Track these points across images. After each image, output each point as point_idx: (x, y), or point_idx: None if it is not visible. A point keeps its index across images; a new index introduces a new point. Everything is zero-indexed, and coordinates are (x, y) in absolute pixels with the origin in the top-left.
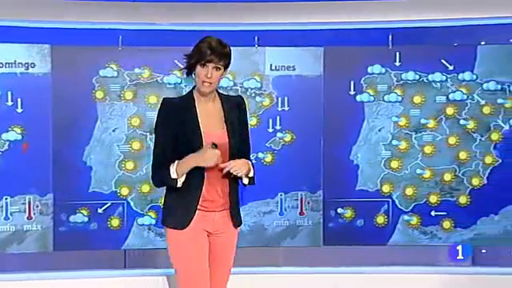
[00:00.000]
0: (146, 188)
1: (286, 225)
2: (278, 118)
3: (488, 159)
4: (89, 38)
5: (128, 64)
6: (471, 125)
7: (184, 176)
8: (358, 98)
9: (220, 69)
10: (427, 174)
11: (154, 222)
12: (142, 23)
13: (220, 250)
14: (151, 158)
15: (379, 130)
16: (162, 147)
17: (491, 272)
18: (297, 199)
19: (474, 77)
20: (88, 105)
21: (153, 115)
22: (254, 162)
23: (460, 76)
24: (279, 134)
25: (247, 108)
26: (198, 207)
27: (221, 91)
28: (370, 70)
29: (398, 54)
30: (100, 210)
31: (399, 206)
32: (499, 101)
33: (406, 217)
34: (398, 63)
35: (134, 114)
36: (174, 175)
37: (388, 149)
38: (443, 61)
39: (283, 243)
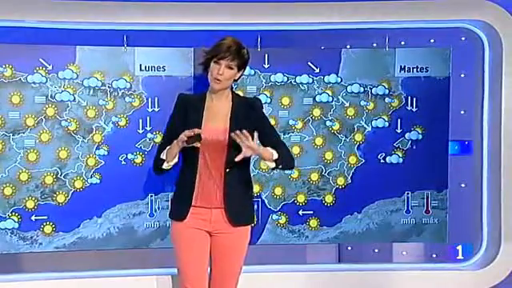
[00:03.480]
0: (8, 191)
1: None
2: (148, 118)
3: (352, 159)
4: None
5: None
6: (336, 126)
7: (175, 160)
8: None
9: (233, 68)
10: (295, 173)
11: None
12: (5, 20)
13: (218, 251)
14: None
15: None
16: (166, 140)
17: (356, 268)
18: None
19: (339, 79)
20: None
21: (16, 115)
22: (123, 163)
23: (326, 78)
24: (149, 135)
25: (263, 108)
26: (193, 203)
27: (238, 93)
28: None
29: (266, 56)
30: None
31: (268, 206)
32: (362, 103)
33: (274, 216)
34: (266, 65)
35: None
36: (163, 156)
37: None
38: (310, 63)
39: (152, 244)
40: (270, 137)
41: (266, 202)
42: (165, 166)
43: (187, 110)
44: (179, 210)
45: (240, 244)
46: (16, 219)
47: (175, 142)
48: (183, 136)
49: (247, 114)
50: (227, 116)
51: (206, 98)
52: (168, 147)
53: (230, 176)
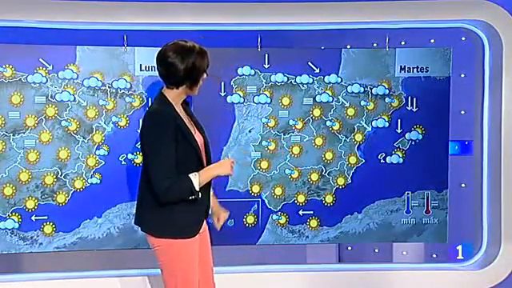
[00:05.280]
0: (8, 191)
1: None
2: None
3: (352, 159)
4: None
5: None
6: (337, 126)
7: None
8: (229, 99)
9: None
10: (295, 174)
11: (17, 225)
12: (5, 20)
13: (204, 249)
14: (154, 174)
15: (249, 131)
16: (169, 162)
17: (356, 268)
18: None
19: (339, 79)
20: None
21: (16, 115)
22: (123, 163)
23: (326, 78)
24: None
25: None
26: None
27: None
28: (239, 71)
29: (266, 55)
30: None
31: (268, 206)
32: (362, 103)
33: (274, 216)
34: (266, 65)
35: None
36: (197, 187)
37: (258, 149)
38: (310, 63)
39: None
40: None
41: (267, 202)
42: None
43: (174, 125)
44: (193, 226)
45: (209, 238)
46: (16, 219)
47: (215, 170)
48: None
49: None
50: (191, 122)
51: (173, 106)
52: (198, 175)
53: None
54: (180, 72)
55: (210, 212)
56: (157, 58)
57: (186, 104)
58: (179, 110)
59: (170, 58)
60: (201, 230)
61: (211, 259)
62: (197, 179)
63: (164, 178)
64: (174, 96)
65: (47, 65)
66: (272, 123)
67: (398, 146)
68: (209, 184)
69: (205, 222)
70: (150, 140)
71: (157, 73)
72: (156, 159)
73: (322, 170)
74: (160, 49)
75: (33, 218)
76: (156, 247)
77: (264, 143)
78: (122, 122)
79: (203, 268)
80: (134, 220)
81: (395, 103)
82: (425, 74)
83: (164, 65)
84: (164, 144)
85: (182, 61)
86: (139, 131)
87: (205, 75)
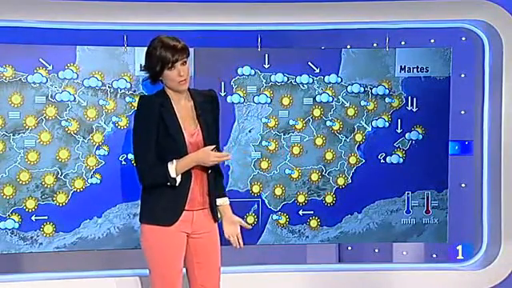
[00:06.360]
0: (8, 191)
1: None
2: None
3: (352, 159)
4: None
5: None
6: (337, 126)
7: (180, 175)
8: (229, 99)
9: (186, 61)
10: (295, 174)
11: (17, 225)
12: (5, 20)
13: (204, 251)
14: (135, 157)
15: (249, 131)
16: (148, 146)
17: (356, 268)
18: None
19: (339, 79)
20: None
21: (16, 115)
22: (123, 163)
23: (326, 78)
24: None
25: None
26: (186, 207)
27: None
28: (239, 71)
29: (266, 55)
30: None
31: (268, 206)
32: (362, 103)
33: (274, 216)
34: (266, 65)
35: None
36: (173, 174)
37: (258, 149)
38: (310, 63)
39: None
40: (215, 132)
41: (267, 202)
42: (177, 183)
43: (161, 113)
44: (169, 215)
45: (218, 239)
46: (16, 219)
47: (194, 158)
48: (217, 159)
49: (208, 107)
50: (194, 116)
51: (169, 99)
52: (175, 162)
53: (210, 176)
54: (146, 67)
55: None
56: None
57: (203, 97)
58: (176, 104)
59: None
60: (194, 229)
61: (217, 263)
62: (173, 166)
63: (141, 160)
64: (168, 90)
65: (47, 65)
66: (272, 123)
67: (398, 146)
68: (190, 174)
69: (215, 224)
70: (134, 123)
71: None
72: (135, 142)
73: (322, 170)
74: None
75: (33, 218)
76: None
77: (264, 143)
78: (122, 122)
79: (205, 269)
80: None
81: (395, 103)
82: (425, 74)
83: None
84: (144, 128)
85: (146, 55)
86: None
87: (169, 71)
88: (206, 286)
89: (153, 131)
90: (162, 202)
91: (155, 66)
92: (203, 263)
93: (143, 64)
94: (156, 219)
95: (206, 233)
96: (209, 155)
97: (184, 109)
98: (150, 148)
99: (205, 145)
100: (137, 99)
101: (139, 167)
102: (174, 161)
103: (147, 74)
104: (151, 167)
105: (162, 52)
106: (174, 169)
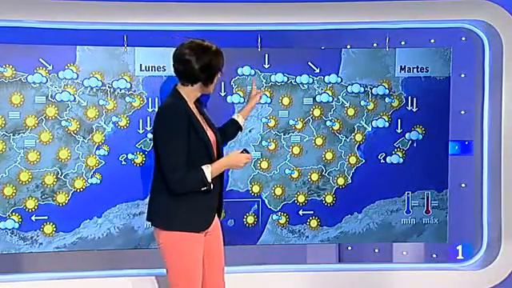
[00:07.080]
0: (8, 191)
1: None
2: (149, 118)
3: (352, 159)
4: None
5: None
6: (337, 126)
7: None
8: (229, 99)
9: None
10: (295, 173)
11: (17, 225)
12: (5, 20)
13: (215, 248)
14: (168, 167)
15: (249, 131)
16: (182, 153)
17: (356, 268)
18: None
19: (339, 79)
20: None
21: (16, 115)
22: (124, 163)
23: (326, 78)
24: (150, 135)
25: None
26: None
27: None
28: (239, 71)
29: (266, 56)
30: None
31: (268, 206)
32: (362, 103)
33: (274, 216)
34: (266, 65)
35: None
36: (210, 178)
37: (258, 149)
38: (310, 63)
39: (152, 244)
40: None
41: (267, 202)
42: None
43: (189, 118)
44: (204, 220)
45: (221, 238)
46: (16, 219)
47: (226, 162)
48: (248, 160)
49: (203, 109)
50: (204, 119)
51: (187, 102)
52: (210, 167)
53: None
54: (196, 69)
55: (222, 211)
56: (174, 56)
57: (199, 103)
58: (192, 106)
59: (187, 56)
60: (210, 228)
61: (223, 259)
62: (209, 170)
63: (177, 169)
64: (188, 92)
65: (47, 65)
66: (272, 123)
67: (398, 146)
68: (221, 181)
69: (218, 221)
70: (163, 133)
71: (157, 73)
72: (169, 151)
73: (322, 170)
74: (177, 47)
75: (33, 218)
76: (161, 243)
77: (264, 143)
78: (122, 122)
79: (213, 267)
80: (146, 216)
81: (395, 103)
82: (425, 74)
83: (180, 62)
84: (176, 137)
85: (198, 58)
86: (153, 126)
87: (219, 74)
88: (211, 279)
89: (184, 139)
90: (198, 209)
91: (216, 69)
92: (211, 261)
93: (198, 66)
94: (192, 226)
95: (212, 232)
96: (241, 158)
97: (200, 113)
98: (184, 156)
99: (217, 143)
100: (137, 99)
101: (175, 176)
102: (208, 165)
103: (201, 75)
104: (187, 174)
105: (220, 56)
106: (210, 172)
